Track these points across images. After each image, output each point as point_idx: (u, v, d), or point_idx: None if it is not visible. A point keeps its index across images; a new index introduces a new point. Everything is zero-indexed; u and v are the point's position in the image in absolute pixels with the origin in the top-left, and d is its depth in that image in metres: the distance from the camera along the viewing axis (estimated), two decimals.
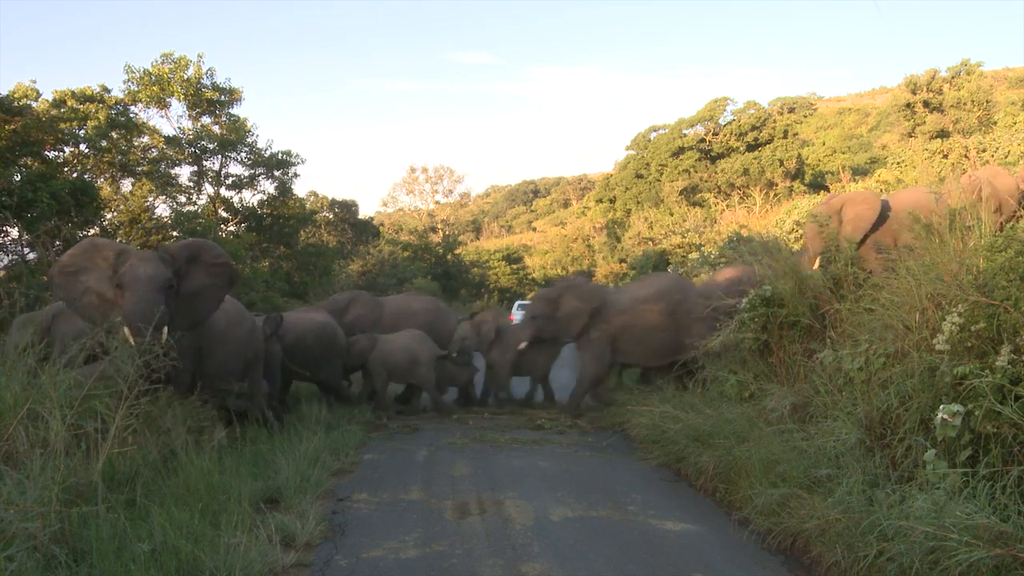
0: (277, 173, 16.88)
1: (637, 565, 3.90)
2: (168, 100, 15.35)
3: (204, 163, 15.94)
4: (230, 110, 16.01)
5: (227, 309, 6.55)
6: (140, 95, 14.89)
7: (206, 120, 15.99)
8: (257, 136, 16.56)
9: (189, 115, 15.78)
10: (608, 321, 8.47)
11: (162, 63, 15.05)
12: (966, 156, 16.62)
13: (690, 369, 7.42)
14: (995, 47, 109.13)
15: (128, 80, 14.93)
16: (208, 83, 15.40)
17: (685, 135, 30.09)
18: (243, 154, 16.21)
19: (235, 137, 15.80)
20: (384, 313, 9.63)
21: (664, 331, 8.33)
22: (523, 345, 8.83)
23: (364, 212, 34.47)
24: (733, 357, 6.85)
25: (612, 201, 32.57)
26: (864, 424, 4.27)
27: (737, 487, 4.77)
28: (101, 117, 13.21)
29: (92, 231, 12.82)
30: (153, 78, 14.87)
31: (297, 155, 16.78)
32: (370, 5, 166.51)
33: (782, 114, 34.93)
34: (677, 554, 4.05)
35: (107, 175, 14.59)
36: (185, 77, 15.11)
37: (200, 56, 15.28)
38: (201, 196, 16.44)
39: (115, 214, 15.06)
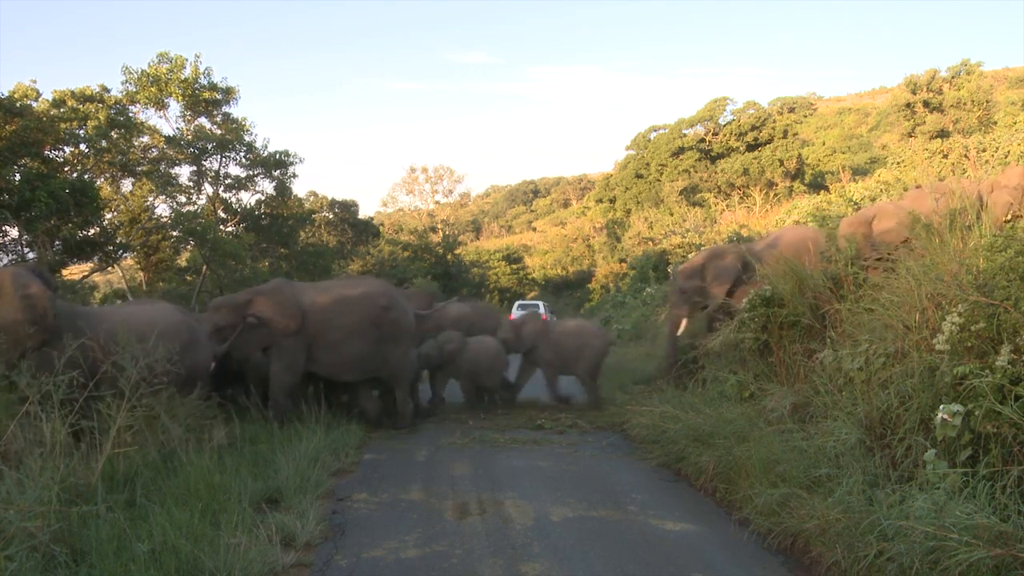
0: (275, 173, 16.88)
1: (637, 565, 3.89)
2: (166, 100, 15.34)
3: (203, 163, 15.93)
4: (226, 108, 15.99)
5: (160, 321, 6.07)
6: (138, 96, 14.87)
7: (203, 121, 15.98)
8: (255, 136, 16.53)
9: (185, 116, 15.76)
10: (304, 325, 7.36)
11: (159, 63, 15.03)
12: (966, 156, 16.62)
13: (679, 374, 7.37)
14: (995, 47, 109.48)
15: (126, 81, 14.93)
16: (205, 82, 15.38)
17: (685, 135, 30.12)
18: (241, 154, 16.21)
19: (233, 137, 15.79)
20: None
21: (362, 341, 7.51)
22: (211, 366, 7.08)
23: (364, 212, 34.40)
24: (733, 357, 6.85)
25: (612, 201, 32.60)
26: (864, 424, 4.27)
27: (737, 487, 4.77)
28: (101, 117, 13.21)
29: (92, 231, 12.83)
30: (151, 78, 14.85)
31: (294, 155, 16.80)
32: (369, 5, 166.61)
33: (782, 114, 34.96)
34: (677, 554, 4.05)
35: (107, 175, 14.58)
36: (182, 77, 15.09)
37: (197, 56, 15.28)
38: (201, 196, 16.45)
39: (115, 214, 15.07)
